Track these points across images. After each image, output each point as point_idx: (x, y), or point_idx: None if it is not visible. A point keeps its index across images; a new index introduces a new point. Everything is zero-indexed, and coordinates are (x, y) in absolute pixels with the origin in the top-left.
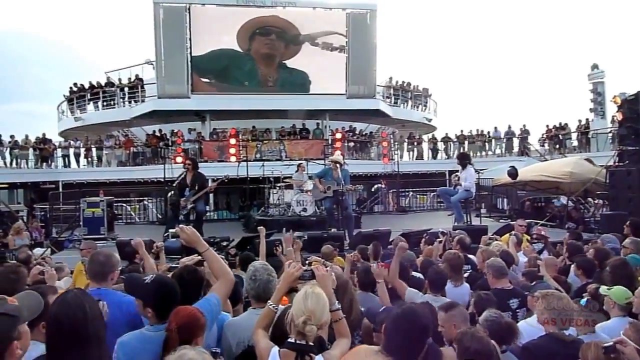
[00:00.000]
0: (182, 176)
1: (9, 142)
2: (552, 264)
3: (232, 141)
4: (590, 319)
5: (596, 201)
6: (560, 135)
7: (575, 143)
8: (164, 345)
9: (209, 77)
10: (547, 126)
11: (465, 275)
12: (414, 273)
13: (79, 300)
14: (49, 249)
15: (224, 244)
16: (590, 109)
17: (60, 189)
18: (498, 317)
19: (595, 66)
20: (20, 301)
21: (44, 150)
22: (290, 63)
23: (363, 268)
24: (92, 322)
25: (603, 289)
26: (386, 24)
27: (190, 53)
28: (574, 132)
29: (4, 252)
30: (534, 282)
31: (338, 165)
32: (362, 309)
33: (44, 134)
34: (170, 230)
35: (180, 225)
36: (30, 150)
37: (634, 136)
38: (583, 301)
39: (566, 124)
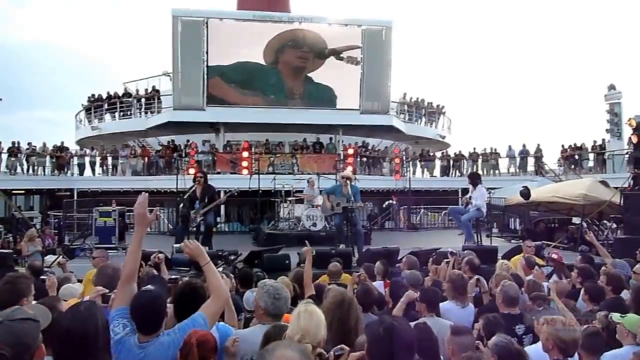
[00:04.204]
0: (193, 189)
1: (27, 149)
2: (564, 289)
3: (245, 154)
4: (595, 345)
5: (610, 224)
6: (576, 156)
7: (591, 164)
8: (182, 357)
9: (235, 85)
10: (563, 146)
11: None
12: None
13: (91, 313)
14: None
15: (232, 257)
16: (607, 129)
17: (75, 197)
18: (508, 343)
19: (612, 87)
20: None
21: (60, 158)
22: (314, 77)
23: (362, 288)
24: (102, 334)
25: (616, 317)
26: (401, 40)
27: (207, 66)
28: (590, 152)
29: (16, 258)
30: (541, 307)
31: (348, 181)
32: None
33: (62, 142)
34: (175, 245)
35: (185, 240)
36: (48, 158)
37: None
38: None
39: (582, 144)
